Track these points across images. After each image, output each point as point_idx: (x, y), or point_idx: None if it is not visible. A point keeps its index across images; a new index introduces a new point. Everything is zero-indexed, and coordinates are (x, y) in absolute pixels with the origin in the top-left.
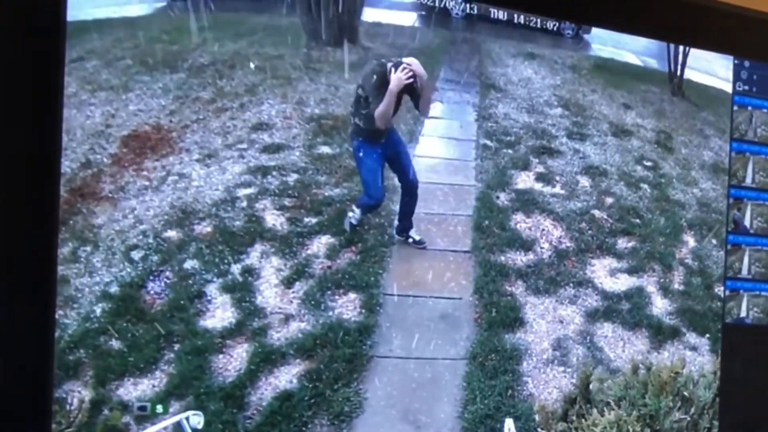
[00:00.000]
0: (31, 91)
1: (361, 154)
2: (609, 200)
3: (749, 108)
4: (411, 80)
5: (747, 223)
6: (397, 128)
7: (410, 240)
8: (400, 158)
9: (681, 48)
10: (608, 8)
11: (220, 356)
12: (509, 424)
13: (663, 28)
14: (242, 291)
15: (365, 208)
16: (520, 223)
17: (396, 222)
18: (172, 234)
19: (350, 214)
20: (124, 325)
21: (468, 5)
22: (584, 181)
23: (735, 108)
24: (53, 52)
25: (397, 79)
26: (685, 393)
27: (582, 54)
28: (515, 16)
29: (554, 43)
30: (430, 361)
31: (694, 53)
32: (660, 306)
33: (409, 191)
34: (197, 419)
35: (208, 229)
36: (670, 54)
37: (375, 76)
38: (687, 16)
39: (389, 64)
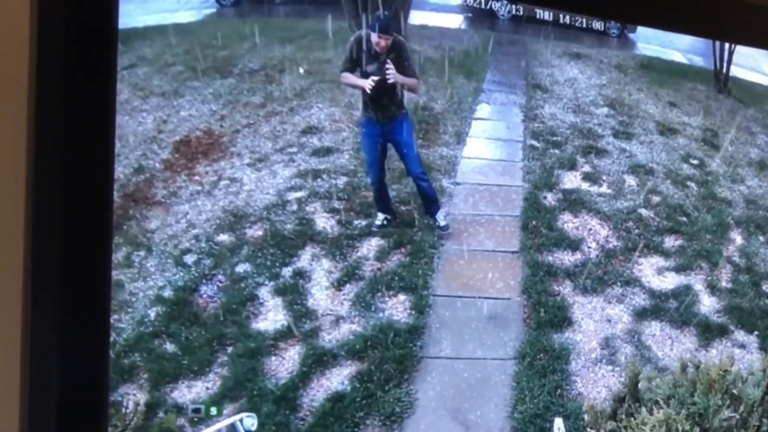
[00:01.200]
0: (84, 98)
1: (363, 129)
2: (656, 199)
3: None
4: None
5: None
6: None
7: (435, 223)
8: (398, 148)
9: (727, 45)
10: (653, 7)
11: (273, 358)
12: (559, 423)
13: (709, 25)
14: (293, 293)
15: (375, 192)
16: (568, 222)
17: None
18: (224, 238)
19: (378, 215)
20: (178, 328)
21: (514, 7)
22: (631, 180)
23: None
24: (105, 59)
25: (365, 83)
26: (734, 391)
27: (627, 53)
28: (561, 16)
29: (600, 42)
30: (479, 362)
31: (740, 50)
32: (708, 304)
33: (417, 185)
34: (251, 421)
35: (260, 232)
36: (716, 51)
37: (349, 45)
38: (732, 14)
39: (362, 38)
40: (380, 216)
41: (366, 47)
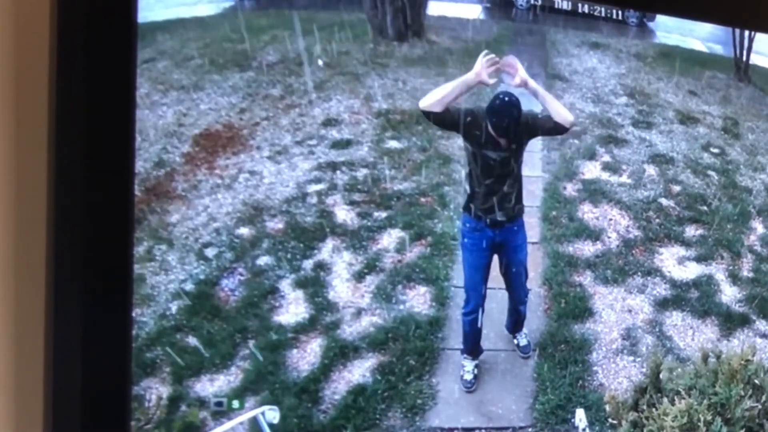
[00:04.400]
0: (104, 92)
1: (465, 239)
2: (676, 188)
3: None
4: None
5: None
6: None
7: (515, 341)
8: (508, 264)
9: (747, 33)
10: None
11: (294, 351)
12: (580, 414)
13: (728, 13)
14: (315, 286)
15: (466, 326)
16: (588, 213)
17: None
18: (244, 231)
19: (463, 363)
20: (200, 322)
21: None
22: (651, 170)
23: None
24: (125, 53)
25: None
26: (756, 381)
27: (647, 42)
28: (579, 5)
29: (619, 31)
30: (501, 353)
31: (760, 38)
32: (729, 293)
33: (514, 307)
34: (273, 414)
35: (280, 225)
36: (736, 39)
37: (464, 115)
38: (752, 1)
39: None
40: (469, 365)
41: (485, 129)
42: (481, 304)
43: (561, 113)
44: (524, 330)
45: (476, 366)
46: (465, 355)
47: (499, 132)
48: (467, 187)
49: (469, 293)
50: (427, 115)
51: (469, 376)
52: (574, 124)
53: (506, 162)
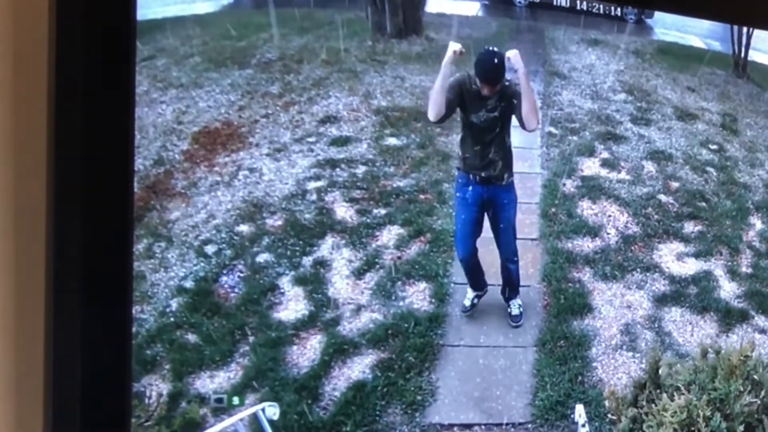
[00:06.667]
0: (103, 90)
1: (458, 194)
2: (675, 184)
3: None
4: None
5: None
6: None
7: (508, 310)
8: (496, 220)
9: (745, 30)
10: None
11: (294, 348)
12: (580, 410)
13: (727, 9)
14: (314, 283)
15: (463, 268)
16: (587, 209)
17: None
18: (244, 228)
19: (467, 291)
20: (200, 319)
21: None
22: (650, 166)
23: None
24: (124, 51)
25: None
26: (755, 376)
27: (645, 39)
28: (578, 2)
29: (617, 28)
30: (500, 349)
31: (759, 34)
32: (728, 289)
33: (504, 266)
34: (273, 410)
35: (280, 222)
36: (734, 36)
37: (451, 88)
38: None
39: (466, 80)
40: (470, 293)
41: (470, 90)
42: (470, 254)
43: (529, 117)
44: (518, 300)
45: (476, 296)
46: (470, 287)
47: (487, 81)
48: (459, 152)
49: (458, 245)
50: (441, 119)
51: (467, 303)
52: (534, 130)
53: (493, 126)
